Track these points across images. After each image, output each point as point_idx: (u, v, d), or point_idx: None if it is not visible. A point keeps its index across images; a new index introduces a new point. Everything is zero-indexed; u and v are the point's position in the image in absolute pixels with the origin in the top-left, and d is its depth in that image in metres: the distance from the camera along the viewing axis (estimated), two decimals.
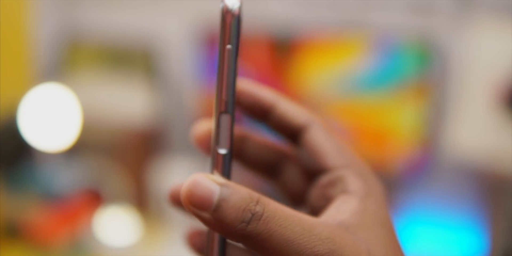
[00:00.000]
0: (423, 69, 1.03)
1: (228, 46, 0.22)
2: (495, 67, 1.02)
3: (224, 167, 0.23)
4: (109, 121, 1.27)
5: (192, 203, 0.21)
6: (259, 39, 1.11)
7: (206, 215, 0.21)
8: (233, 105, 0.22)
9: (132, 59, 1.26)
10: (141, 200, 1.25)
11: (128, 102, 1.26)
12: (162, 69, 1.26)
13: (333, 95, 1.09)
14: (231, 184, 0.21)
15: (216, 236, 0.23)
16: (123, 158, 1.25)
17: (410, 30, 1.07)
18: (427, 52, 1.02)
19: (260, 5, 1.17)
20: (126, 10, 1.27)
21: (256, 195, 0.21)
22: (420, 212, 1.14)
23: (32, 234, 1.10)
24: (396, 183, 1.14)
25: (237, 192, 0.21)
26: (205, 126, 0.29)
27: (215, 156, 0.23)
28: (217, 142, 0.23)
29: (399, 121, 1.06)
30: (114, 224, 1.14)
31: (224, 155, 0.23)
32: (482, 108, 1.04)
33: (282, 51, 1.10)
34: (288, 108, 0.27)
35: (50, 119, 1.13)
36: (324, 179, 0.25)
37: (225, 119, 0.23)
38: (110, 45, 1.27)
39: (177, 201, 0.28)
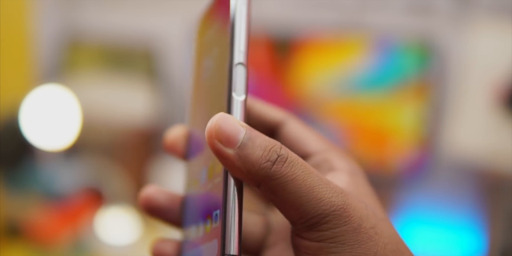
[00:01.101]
0: (422, 69, 1.03)
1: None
2: (493, 67, 1.03)
3: (242, 113, 0.23)
4: (110, 121, 1.27)
5: (218, 138, 0.21)
6: (259, 39, 1.12)
7: (230, 151, 0.21)
8: (247, 57, 0.24)
9: (133, 59, 1.26)
10: None
11: (129, 102, 1.26)
12: (162, 70, 1.27)
13: (332, 95, 1.10)
14: (253, 128, 0.22)
15: (232, 183, 0.22)
16: (124, 157, 1.25)
17: (409, 31, 1.08)
18: (426, 52, 1.03)
19: (259, 6, 1.18)
20: (126, 10, 1.28)
21: (278, 142, 0.22)
22: (418, 211, 1.14)
23: (33, 234, 1.10)
24: (395, 182, 1.14)
25: (262, 136, 0.22)
26: (178, 131, 0.30)
27: (232, 103, 0.23)
28: (233, 90, 0.23)
29: (398, 120, 1.07)
30: (115, 223, 1.15)
31: (241, 102, 0.23)
32: (481, 108, 1.04)
33: (282, 51, 1.11)
34: (262, 108, 0.28)
35: (51, 119, 1.14)
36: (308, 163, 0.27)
37: (241, 69, 0.24)
38: (111, 45, 1.27)
39: (149, 208, 0.28)
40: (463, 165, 1.09)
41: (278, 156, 0.21)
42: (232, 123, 0.21)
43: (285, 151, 0.22)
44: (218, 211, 0.22)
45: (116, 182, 1.21)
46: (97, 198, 1.20)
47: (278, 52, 1.11)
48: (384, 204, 1.22)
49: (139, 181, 1.25)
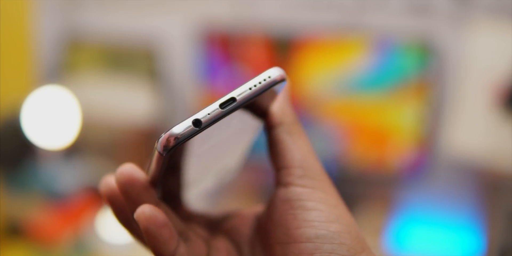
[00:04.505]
0: (422, 69, 1.04)
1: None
2: (492, 67, 1.03)
3: None
4: (111, 121, 1.28)
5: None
6: (258, 39, 1.12)
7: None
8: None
9: (134, 59, 1.27)
10: None
11: (130, 102, 1.27)
12: (163, 70, 1.27)
13: (332, 95, 1.10)
14: None
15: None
16: (125, 157, 1.25)
17: (408, 31, 1.08)
18: (425, 52, 1.03)
19: (259, 6, 1.18)
20: (127, 11, 1.28)
21: None
22: (418, 211, 1.15)
23: (34, 233, 1.11)
24: (394, 182, 1.14)
25: None
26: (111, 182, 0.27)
27: None
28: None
29: (397, 120, 1.07)
30: (116, 223, 1.15)
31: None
32: (480, 108, 1.05)
33: (282, 51, 1.11)
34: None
35: (53, 119, 1.14)
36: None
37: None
38: (112, 46, 1.28)
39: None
40: (462, 164, 1.10)
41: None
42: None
43: None
44: None
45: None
46: (97, 197, 1.20)
47: (278, 52, 1.11)
48: (384, 203, 1.23)
49: None
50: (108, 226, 1.14)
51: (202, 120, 0.23)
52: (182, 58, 1.26)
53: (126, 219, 0.28)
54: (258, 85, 0.24)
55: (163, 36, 1.26)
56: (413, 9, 1.08)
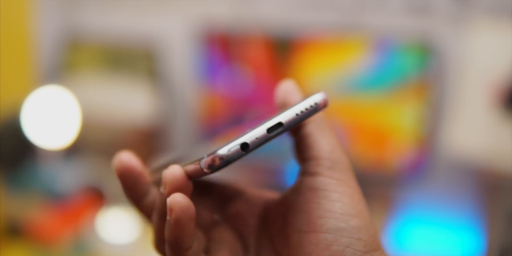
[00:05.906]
0: (422, 69, 1.04)
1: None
2: (492, 67, 1.03)
3: None
4: (111, 121, 1.28)
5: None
6: (258, 39, 1.12)
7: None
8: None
9: (134, 59, 1.27)
10: None
11: (130, 102, 1.27)
12: (163, 69, 1.27)
13: (332, 95, 1.10)
14: None
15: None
16: None
17: (408, 31, 1.08)
18: (425, 52, 1.03)
19: (258, 6, 1.18)
20: (127, 11, 1.28)
21: None
22: (417, 211, 1.15)
23: (34, 233, 1.11)
24: (394, 181, 1.14)
25: None
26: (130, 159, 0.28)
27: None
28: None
29: (397, 120, 1.07)
30: (116, 223, 1.15)
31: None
32: (480, 108, 1.05)
33: (282, 51, 1.11)
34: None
35: (53, 119, 1.14)
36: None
37: None
38: (112, 46, 1.28)
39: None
40: (462, 164, 1.10)
41: None
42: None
43: None
44: None
45: (116, 181, 1.22)
46: (98, 197, 1.21)
47: (278, 52, 1.11)
48: (384, 203, 1.23)
49: None
50: (108, 226, 1.14)
51: (250, 144, 0.24)
52: (182, 58, 1.27)
53: (137, 197, 0.29)
54: (305, 111, 0.25)
55: (163, 36, 1.26)
56: (413, 9, 1.08)
